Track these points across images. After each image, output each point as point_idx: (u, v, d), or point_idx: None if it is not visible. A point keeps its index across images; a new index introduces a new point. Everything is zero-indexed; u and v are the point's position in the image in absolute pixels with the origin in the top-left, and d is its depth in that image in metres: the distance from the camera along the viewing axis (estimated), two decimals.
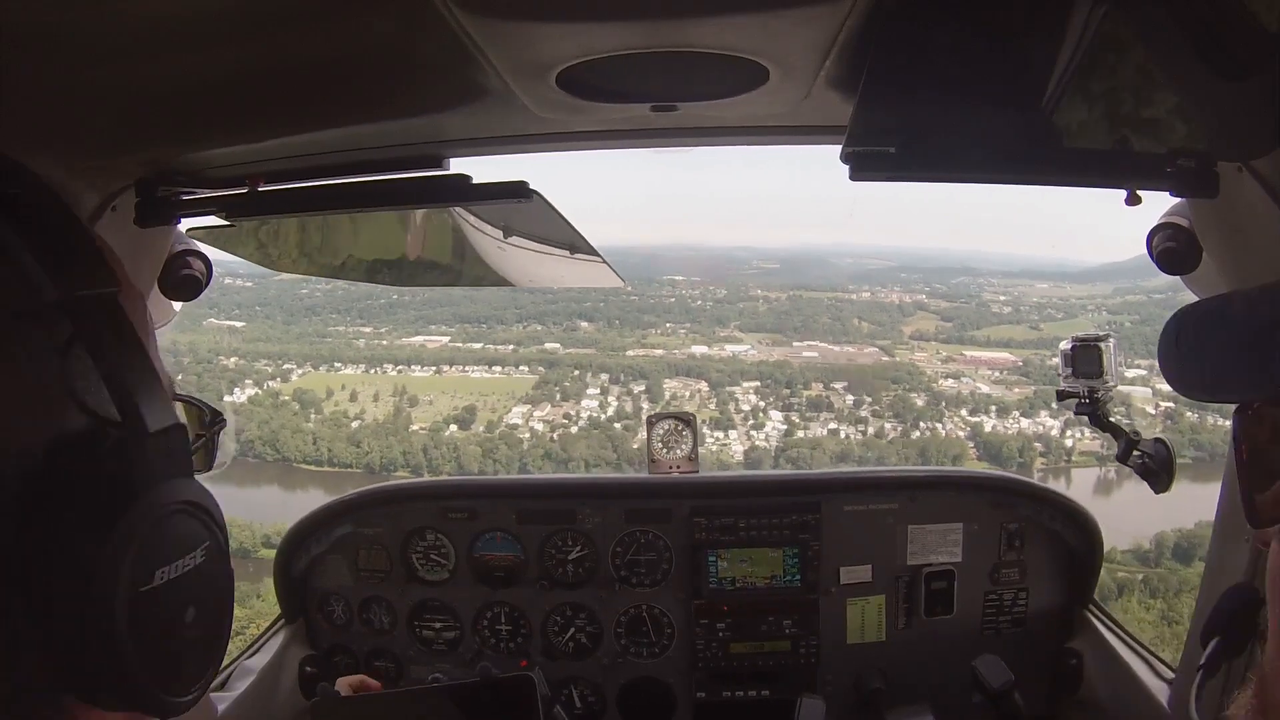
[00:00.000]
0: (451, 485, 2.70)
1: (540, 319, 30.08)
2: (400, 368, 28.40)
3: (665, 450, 2.65)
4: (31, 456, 0.53)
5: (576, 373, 27.51)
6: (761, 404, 25.59)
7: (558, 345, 28.86)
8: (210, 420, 0.83)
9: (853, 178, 1.30)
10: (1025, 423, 23.34)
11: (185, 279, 1.92)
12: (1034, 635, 2.54)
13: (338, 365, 28.34)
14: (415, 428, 26.51)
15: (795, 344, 27.59)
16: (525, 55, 1.26)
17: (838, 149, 1.32)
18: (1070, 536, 2.50)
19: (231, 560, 0.65)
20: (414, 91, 1.48)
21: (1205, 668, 1.09)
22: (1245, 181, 1.31)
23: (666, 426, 2.66)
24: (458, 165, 1.83)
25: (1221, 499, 1.79)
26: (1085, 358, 2.03)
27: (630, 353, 28.21)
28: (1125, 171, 1.32)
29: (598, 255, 2.20)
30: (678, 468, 2.63)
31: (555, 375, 27.70)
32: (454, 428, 26.22)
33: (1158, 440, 1.96)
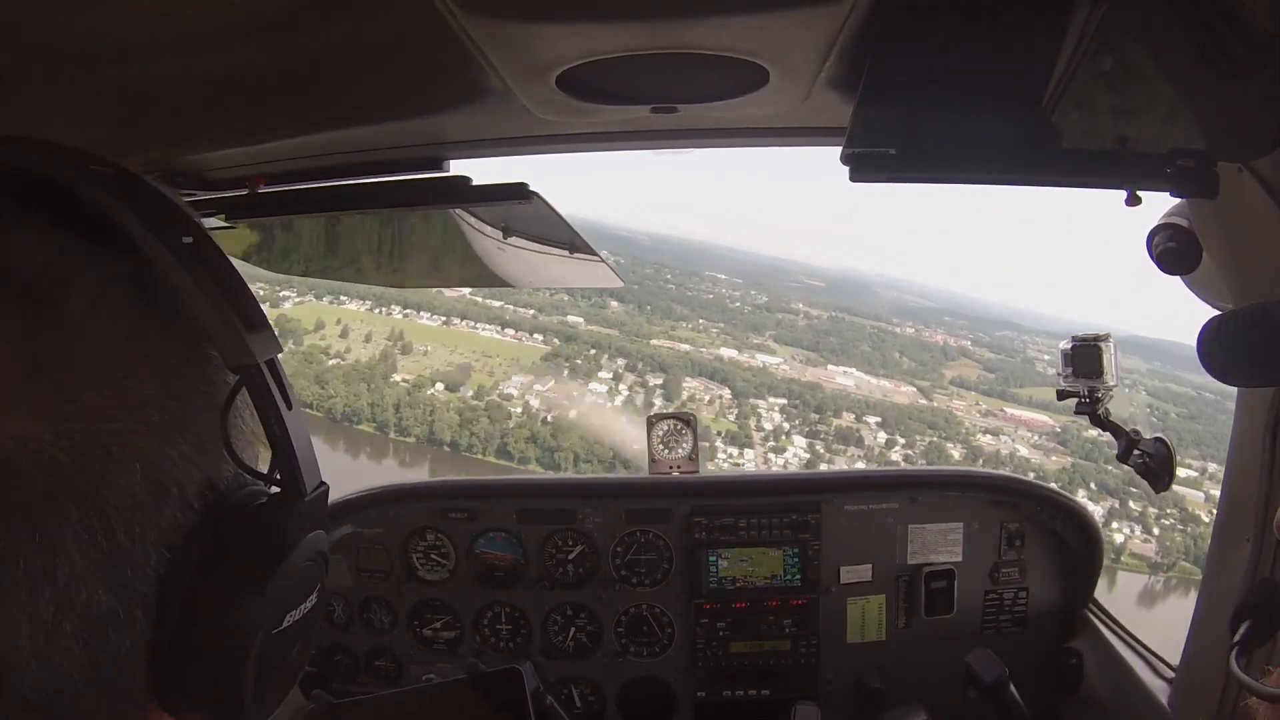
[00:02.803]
0: (452, 485, 2.70)
1: (570, 289, 29.43)
2: (408, 312, 26.16)
3: (665, 450, 2.65)
4: (192, 501, 0.56)
5: (593, 352, 25.59)
6: (786, 425, 23.61)
7: (580, 319, 26.89)
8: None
9: (853, 179, 1.30)
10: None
11: None
12: (1034, 635, 2.55)
13: (343, 298, 25.79)
14: (397, 378, 24.52)
15: (830, 367, 25.89)
16: (525, 56, 1.26)
17: (838, 150, 1.32)
18: (1070, 536, 2.50)
19: None
20: (414, 92, 1.48)
21: (1241, 645, 1.10)
22: (1245, 181, 1.31)
23: (667, 426, 2.67)
24: (458, 167, 1.83)
25: (1222, 499, 1.79)
26: (1085, 357, 2.03)
27: (655, 342, 26.43)
28: (1125, 171, 1.32)
29: (597, 255, 2.20)
30: (678, 467, 2.63)
31: (569, 350, 25.67)
32: (440, 386, 24.20)
33: (1158, 440, 1.96)
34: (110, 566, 0.50)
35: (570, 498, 2.57)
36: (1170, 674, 2.11)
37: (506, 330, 26.25)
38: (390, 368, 24.76)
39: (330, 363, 24.55)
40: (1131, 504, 17.11)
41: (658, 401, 24.18)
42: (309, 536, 0.62)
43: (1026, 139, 1.29)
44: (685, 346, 26.43)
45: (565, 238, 2.07)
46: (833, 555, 2.51)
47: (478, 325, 26.28)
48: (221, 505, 0.57)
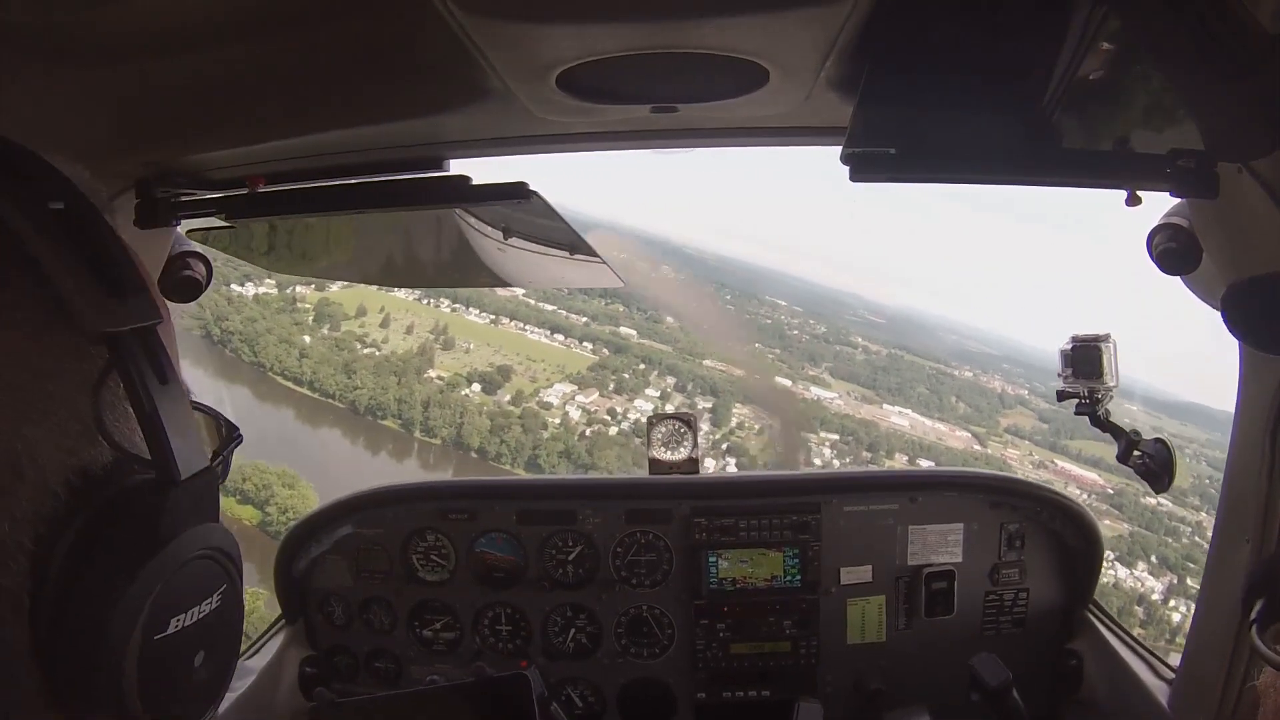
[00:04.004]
0: (452, 486, 2.70)
1: (626, 300, 26.69)
2: (456, 306, 24.95)
3: (666, 451, 2.65)
4: (56, 487, 0.52)
5: (642, 366, 24.64)
6: (836, 463, 22.44)
7: (633, 332, 25.94)
8: (226, 434, 0.80)
9: (853, 178, 1.30)
10: (1122, 572, 19.29)
11: (185, 280, 1.92)
12: (1034, 636, 2.54)
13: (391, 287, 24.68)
14: (432, 374, 23.19)
15: (886, 406, 24.96)
16: (525, 56, 1.26)
17: (838, 150, 1.32)
18: (1070, 537, 2.50)
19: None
20: (414, 92, 1.48)
21: (1259, 621, 1.10)
22: (1245, 182, 1.31)
23: (667, 427, 2.66)
24: (458, 166, 1.83)
25: (1222, 499, 1.79)
26: (1085, 358, 2.03)
27: (707, 362, 25.15)
28: (1125, 171, 1.32)
29: (597, 256, 2.20)
30: (678, 468, 2.63)
31: (617, 362, 24.70)
32: (476, 387, 22.95)
33: (1158, 440, 1.96)
34: None
35: (570, 498, 2.57)
36: (1170, 675, 2.11)
37: (555, 335, 25.41)
38: (426, 362, 23.70)
39: (364, 351, 23.50)
40: (1190, 581, 15.81)
41: (705, 426, 23.24)
42: (196, 529, 0.57)
43: (1026, 139, 1.29)
44: (739, 371, 24.84)
45: (566, 238, 2.07)
46: (833, 556, 2.51)
47: (526, 327, 25.44)
48: (93, 493, 0.53)
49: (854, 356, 27.12)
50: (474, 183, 1.74)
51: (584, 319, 25.81)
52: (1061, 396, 2.08)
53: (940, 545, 2.53)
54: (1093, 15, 1.18)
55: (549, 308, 25.66)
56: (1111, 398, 2.04)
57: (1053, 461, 22.55)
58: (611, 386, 23.78)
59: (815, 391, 25.25)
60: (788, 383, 25.17)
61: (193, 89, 1.31)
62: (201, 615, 0.57)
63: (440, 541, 2.58)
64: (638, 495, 2.58)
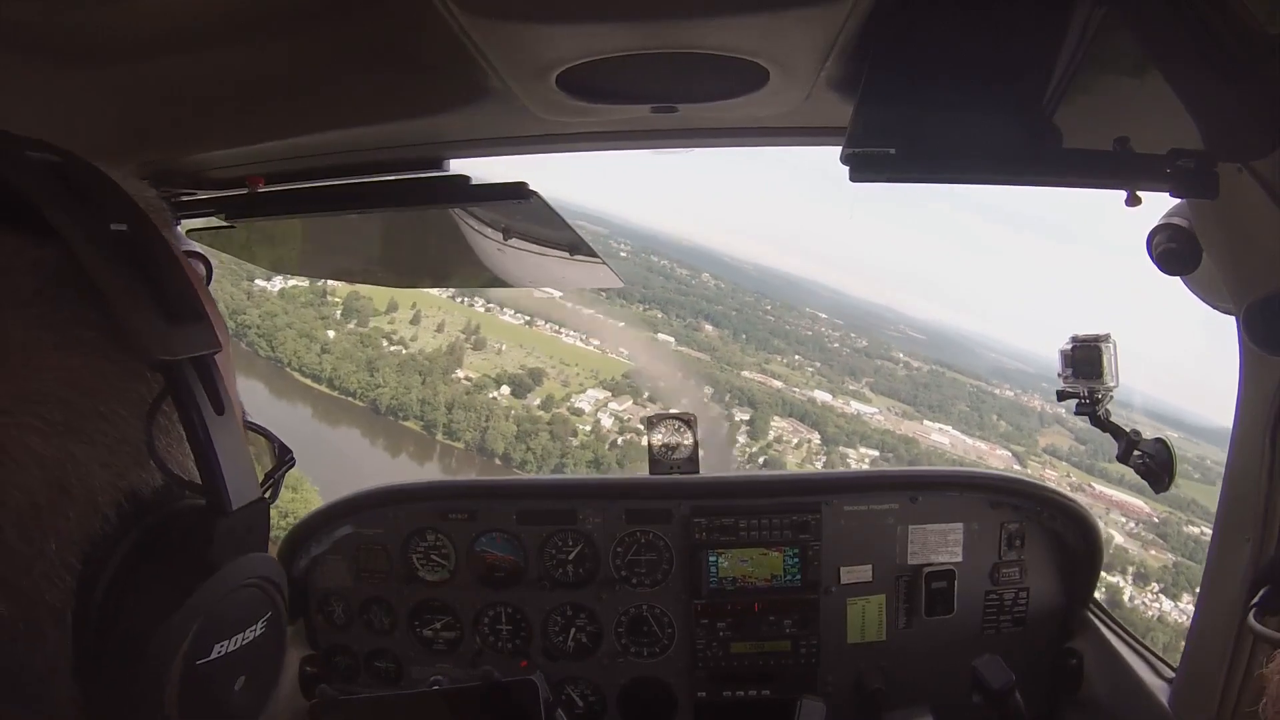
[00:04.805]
0: (451, 486, 2.70)
1: (664, 306, 26.69)
2: (491, 306, 24.56)
3: (666, 451, 2.65)
4: (105, 509, 0.52)
5: (680, 375, 24.26)
6: None
7: (671, 339, 25.71)
8: (278, 457, 0.79)
9: (853, 179, 1.30)
10: (1167, 604, 18.73)
11: None
12: (1034, 635, 2.54)
13: None
14: (460, 374, 22.66)
15: (927, 422, 24.59)
16: (525, 56, 1.26)
17: (838, 150, 1.32)
18: (1070, 536, 2.50)
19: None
20: (414, 92, 1.48)
21: (1259, 606, 1.10)
22: (1245, 182, 1.31)
23: (668, 427, 2.67)
24: (458, 166, 1.83)
25: (1222, 499, 1.79)
26: (1085, 358, 2.03)
27: (746, 373, 24.74)
28: (1125, 172, 1.32)
29: (597, 256, 2.20)
30: (678, 468, 2.63)
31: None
32: (505, 390, 22.37)
33: (1158, 440, 1.96)
34: None
35: (570, 498, 2.57)
36: (1171, 674, 2.11)
37: (591, 340, 24.86)
38: (455, 362, 23.11)
39: (390, 349, 22.80)
40: None
41: (742, 439, 22.27)
42: (245, 558, 0.57)
43: (1026, 139, 1.29)
44: (778, 383, 24.72)
45: (566, 238, 2.07)
46: (833, 556, 2.51)
47: (562, 330, 24.84)
48: (143, 517, 0.53)
49: (895, 372, 26.62)
50: (474, 183, 1.74)
51: (621, 324, 25.21)
52: (1062, 396, 2.09)
53: (940, 545, 2.53)
54: (1093, 15, 1.18)
55: (588, 311, 25.17)
56: (1111, 398, 2.04)
57: (1091, 485, 21.65)
58: (646, 394, 23.11)
59: (856, 406, 24.72)
60: (828, 396, 24.78)
61: (193, 89, 1.31)
62: (245, 641, 0.58)
63: (440, 541, 2.58)
64: (638, 495, 2.58)
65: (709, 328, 26.57)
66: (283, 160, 1.76)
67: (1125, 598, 19.29)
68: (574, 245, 2.10)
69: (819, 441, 22.73)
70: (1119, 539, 20.03)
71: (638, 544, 2.55)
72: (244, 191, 1.79)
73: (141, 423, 0.54)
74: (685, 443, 2.65)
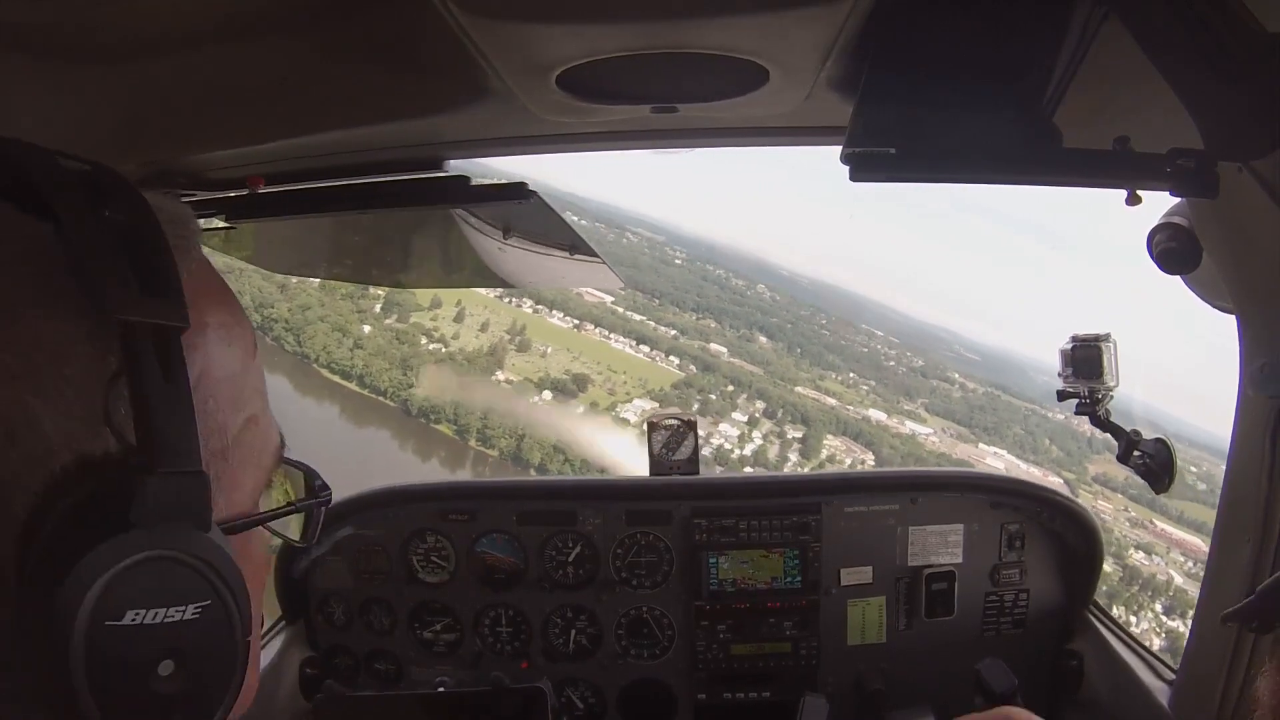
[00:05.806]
0: (451, 487, 2.69)
1: (719, 315, 25.73)
2: (539, 308, 23.25)
3: (666, 452, 2.65)
4: (53, 464, 0.54)
5: (731, 388, 22.92)
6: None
7: (724, 350, 24.51)
8: (318, 489, 0.77)
9: (853, 178, 1.30)
10: None
11: None
12: (1035, 636, 2.54)
13: None
14: (500, 376, 21.42)
15: (981, 445, 23.85)
16: (525, 56, 1.26)
17: (838, 150, 1.32)
18: (1071, 537, 2.50)
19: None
20: (414, 92, 1.48)
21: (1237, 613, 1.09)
22: (1245, 181, 1.31)
23: (668, 428, 2.66)
24: (458, 166, 1.83)
25: (1222, 499, 1.79)
26: (1085, 358, 2.03)
27: (799, 389, 23.69)
28: (1125, 171, 1.32)
29: (597, 256, 2.20)
30: (678, 469, 2.63)
31: (705, 381, 23.05)
32: (547, 394, 21.11)
33: (1158, 440, 1.96)
34: None
35: (570, 499, 2.57)
36: (1171, 675, 2.10)
37: (641, 347, 23.79)
38: (496, 363, 21.97)
39: (429, 347, 21.72)
40: None
41: (793, 457, 21.23)
42: (177, 530, 0.56)
43: (1027, 139, 1.29)
44: (832, 401, 23.72)
45: (566, 238, 2.07)
46: (833, 557, 2.51)
47: (611, 335, 23.79)
48: (87, 475, 0.54)
49: (950, 393, 26.04)
50: (474, 183, 1.74)
51: (673, 332, 24.31)
52: (1062, 396, 2.08)
53: (940, 546, 2.52)
54: (1093, 15, 1.18)
55: (637, 317, 24.37)
56: (1112, 398, 2.04)
57: (1152, 521, 20.45)
58: (695, 407, 21.61)
59: (910, 426, 24.07)
60: (883, 416, 24.07)
61: (193, 89, 1.31)
62: (168, 619, 0.55)
63: (440, 542, 2.58)
64: (638, 496, 2.58)
65: (763, 339, 25.84)
66: (283, 160, 1.76)
67: (1184, 643, 17.92)
68: (574, 245, 2.10)
69: (874, 462, 21.67)
70: (1179, 580, 19.03)
71: (638, 545, 2.55)
72: (245, 192, 1.79)
73: (101, 389, 0.55)
74: (686, 444, 2.65)
